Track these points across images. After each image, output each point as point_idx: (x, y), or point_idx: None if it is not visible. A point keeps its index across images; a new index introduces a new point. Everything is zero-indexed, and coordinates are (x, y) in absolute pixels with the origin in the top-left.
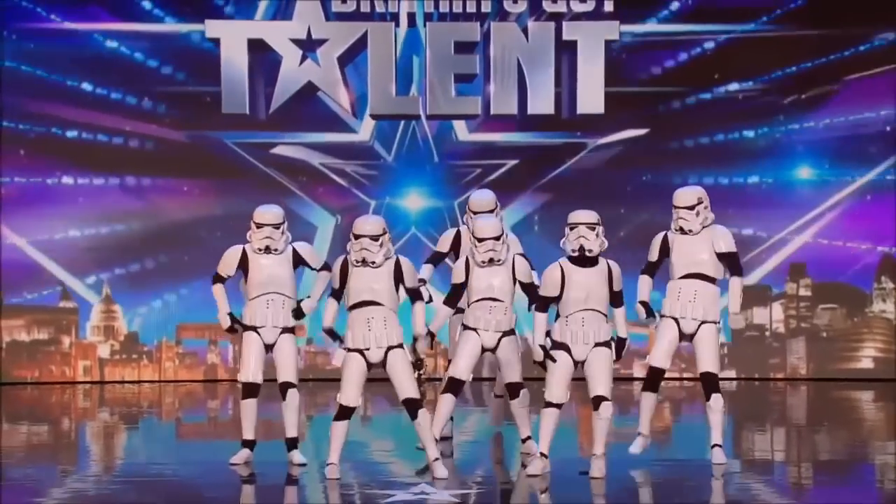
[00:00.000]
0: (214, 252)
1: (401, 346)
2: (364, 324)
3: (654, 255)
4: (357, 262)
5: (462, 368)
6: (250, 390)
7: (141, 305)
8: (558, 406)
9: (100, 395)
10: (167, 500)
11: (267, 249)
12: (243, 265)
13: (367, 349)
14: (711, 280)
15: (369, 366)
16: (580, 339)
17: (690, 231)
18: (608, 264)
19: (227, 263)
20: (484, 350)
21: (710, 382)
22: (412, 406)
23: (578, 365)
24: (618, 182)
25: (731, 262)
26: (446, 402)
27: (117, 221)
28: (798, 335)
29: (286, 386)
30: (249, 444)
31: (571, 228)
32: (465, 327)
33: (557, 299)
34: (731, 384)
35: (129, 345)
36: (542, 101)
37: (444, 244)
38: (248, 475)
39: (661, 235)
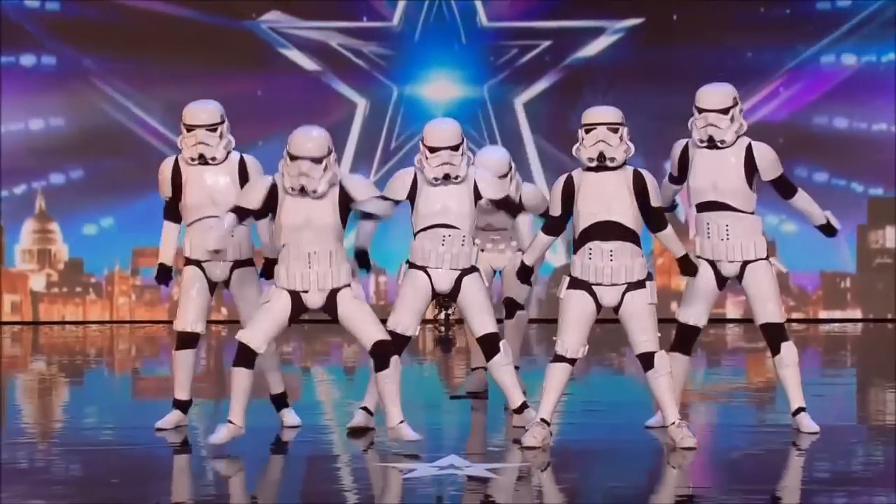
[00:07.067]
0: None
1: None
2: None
3: (675, 170)
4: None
5: (407, 322)
6: (186, 340)
7: (86, 223)
8: (571, 361)
9: (33, 339)
10: (120, 474)
11: (201, 158)
12: (176, 181)
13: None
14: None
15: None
16: (607, 278)
17: (722, 142)
18: (638, 172)
19: (163, 183)
20: (436, 294)
21: (775, 332)
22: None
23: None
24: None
25: (780, 185)
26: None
27: (54, 113)
28: None
29: None
30: (183, 406)
31: (587, 131)
32: (411, 265)
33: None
34: (856, 327)
35: (71, 275)
36: None
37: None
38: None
39: (682, 144)
